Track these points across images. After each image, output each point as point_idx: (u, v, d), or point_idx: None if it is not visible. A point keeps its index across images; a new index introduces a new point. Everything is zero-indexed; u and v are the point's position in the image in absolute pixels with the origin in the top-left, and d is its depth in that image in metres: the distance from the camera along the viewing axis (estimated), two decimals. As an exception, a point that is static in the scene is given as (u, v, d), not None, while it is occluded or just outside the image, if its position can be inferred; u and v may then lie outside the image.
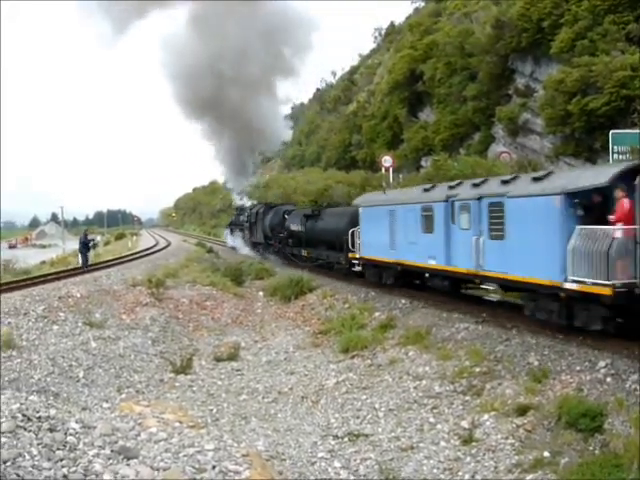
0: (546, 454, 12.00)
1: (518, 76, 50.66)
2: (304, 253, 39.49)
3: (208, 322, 27.37)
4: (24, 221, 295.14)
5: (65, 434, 7.90)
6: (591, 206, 15.91)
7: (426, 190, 24.53)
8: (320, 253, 36.73)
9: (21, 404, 8.38)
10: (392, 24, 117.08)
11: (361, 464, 13.20)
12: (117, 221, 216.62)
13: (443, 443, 13.65)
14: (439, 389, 16.37)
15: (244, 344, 24.43)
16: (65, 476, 6.83)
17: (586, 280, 15.07)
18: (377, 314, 24.39)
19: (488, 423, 13.81)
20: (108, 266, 39.61)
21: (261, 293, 34.03)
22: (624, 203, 14.84)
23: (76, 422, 8.46)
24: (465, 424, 14.05)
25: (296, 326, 27.08)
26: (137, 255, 52.23)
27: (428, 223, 22.99)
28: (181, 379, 19.84)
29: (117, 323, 24.24)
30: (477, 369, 16.56)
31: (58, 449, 7.44)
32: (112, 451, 7.84)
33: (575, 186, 15.92)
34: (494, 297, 22.31)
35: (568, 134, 40.10)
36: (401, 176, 54.10)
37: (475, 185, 20.92)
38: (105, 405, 16.03)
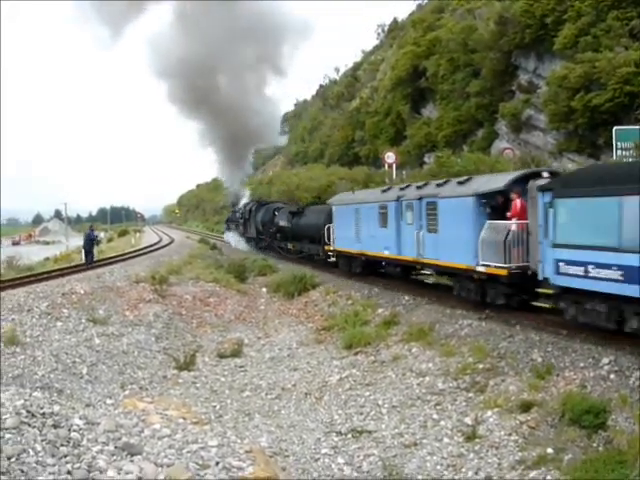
0: (550, 451, 11.99)
1: (521, 72, 50.58)
2: (290, 246, 43.74)
3: (211, 318, 27.40)
4: (27, 218, 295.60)
5: (69, 430, 7.91)
6: (496, 205, 19.75)
7: (383, 191, 28.53)
8: (303, 246, 40.81)
9: (25, 400, 8.39)
10: (395, 20, 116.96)
11: (364, 460, 13.22)
12: (120, 218, 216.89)
13: (446, 439, 13.66)
14: (442, 386, 16.38)
15: (247, 340, 24.46)
16: (69, 472, 6.84)
17: (490, 264, 18.98)
18: (380, 310, 24.40)
19: (491, 420, 13.80)
20: (111, 263, 39.60)
21: (264, 289, 34.04)
22: (517, 203, 18.83)
23: (80, 418, 8.47)
24: (468, 421, 14.05)
25: (299, 322, 27.09)
26: (140, 252, 52.21)
27: (384, 219, 26.86)
28: (184, 375, 19.87)
29: (121, 320, 24.26)
30: (480, 365, 16.56)
31: (62, 445, 7.45)
32: (116, 447, 7.85)
33: (483, 189, 20.02)
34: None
35: (571, 130, 40.04)
36: (404, 172, 54.02)
37: (418, 187, 24.71)
38: (109, 401, 16.05)
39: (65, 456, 7.21)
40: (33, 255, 58.75)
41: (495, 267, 18.78)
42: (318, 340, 23.74)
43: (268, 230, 48.41)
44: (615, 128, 28.71)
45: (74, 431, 7.94)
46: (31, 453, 7.02)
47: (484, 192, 20.01)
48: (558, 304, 16.98)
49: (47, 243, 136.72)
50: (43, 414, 8.08)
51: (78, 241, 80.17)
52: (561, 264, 16.08)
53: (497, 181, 20.31)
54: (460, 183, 21.80)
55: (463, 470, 12.29)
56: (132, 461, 7.57)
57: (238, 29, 66.95)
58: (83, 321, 22.67)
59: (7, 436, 7.19)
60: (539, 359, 15.72)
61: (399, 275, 27.67)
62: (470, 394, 15.56)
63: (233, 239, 61.18)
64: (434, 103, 64.03)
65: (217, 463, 8.15)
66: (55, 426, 7.87)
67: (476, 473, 12.08)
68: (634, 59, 34.08)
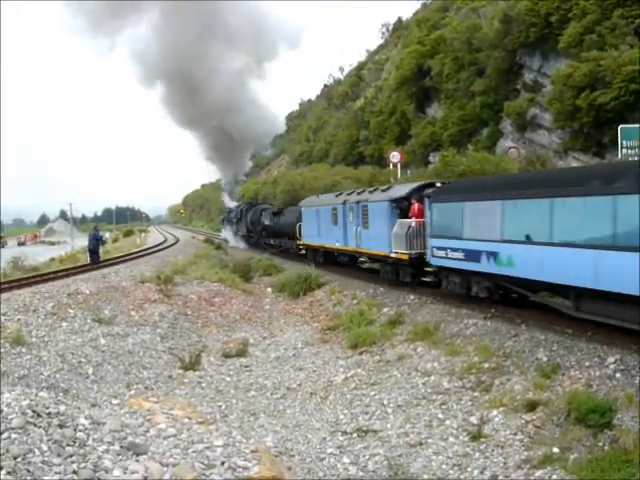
0: (555, 450, 11.97)
1: (526, 71, 50.53)
2: (272, 242, 51.01)
3: (217, 318, 27.42)
4: (33, 218, 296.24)
5: (75, 430, 7.92)
6: (403, 208, 26.02)
7: (336, 196, 35.35)
8: (282, 241, 47.91)
9: (31, 400, 8.41)
10: (399, 20, 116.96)
11: (370, 460, 13.22)
12: (126, 218, 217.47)
13: (452, 439, 13.64)
14: (448, 385, 16.36)
15: (252, 340, 24.47)
16: (75, 472, 6.85)
17: (399, 251, 25.39)
18: (385, 310, 24.40)
19: (497, 419, 13.78)
20: (117, 263, 39.68)
21: (269, 289, 34.07)
22: (415, 206, 24.89)
23: (85, 418, 8.48)
24: (474, 420, 14.03)
25: (304, 322, 27.11)
26: (145, 252, 52.30)
27: (335, 219, 33.58)
28: (190, 375, 19.88)
29: (126, 320, 24.30)
30: (486, 365, 16.54)
31: (68, 445, 7.46)
32: (121, 447, 7.86)
33: (393, 196, 26.69)
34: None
35: (577, 129, 39.99)
36: (409, 172, 54.07)
37: (358, 193, 31.80)
38: (114, 401, 16.04)
39: (71, 456, 7.22)
40: (38, 255, 58.86)
41: (401, 253, 25.27)
42: (323, 340, 23.74)
43: (255, 228, 55.31)
44: (620, 126, 28.69)
45: (80, 431, 7.95)
46: (37, 453, 7.03)
47: (394, 198, 26.55)
48: (437, 279, 24.43)
49: (52, 243, 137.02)
50: (49, 414, 8.10)
51: (83, 241, 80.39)
52: (434, 250, 22.86)
53: (403, 190, 26.90)
54: (383, 191, 28.72)
55: (469, 469, 12.28)
56: (138, 461, 7.58)
57: (222, 32, 69.38)
58: (89, 321, 22.71)
59: (13, 436, 7.21)
60: (544, 358, 15.70)
61: (347, 262, 35.56)
62: (475, 393, 15.54)
63: (228, 236, 67.91)
64: (439, 102, 64.04)
65: (223, 463, 8.15)
66: (61, 426, 7.89)
67: (482, 472, 12.06)
68: (639, 57, 34.01)
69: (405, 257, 25.01)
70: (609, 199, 14.47)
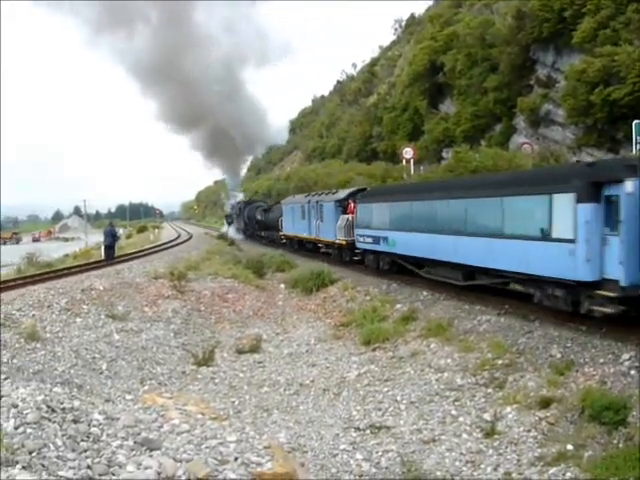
0: (569, 447, 11.93)
1: (539, 66, 50.32)
2: (263, 234, 59.94)
3: (230, 314, 27.45)
4: (47, 214, 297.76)
5: (89, 425, 7.96)
6: (345, 206, 35.03)
7: (305, 196, 44.34)
8: (270, 233, 56.51)
9: (45, 395, 8.45)
10: (412, 16, 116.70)
11: (383, 456, 13.21)
12: (139, 214, 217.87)
13: (465, 436, 13.62)
14: (461, 381, 16.33)
15: (266, 336, 24.49)
16: (89, 467, 6.88)
17: (340, 238, 34.85)
18: (398, 306, 24.36)
19: (510, 416, 13.75)
20: (130, 259, 39.79)
21: (282, 285, 34.07)
22: (351, 205, 33.79)
23: (99, 414, 8.52)
24: (487, 417, 14.00)
25: (317, 318, 27.11)
26: (159, 248, 52.44)
27: (303, 214, 42.87)
28: (203, 371, 19.93)
29: (139, 315, 24.37)
30: (499, 361, 16.50)
31: (82, 440, 7.50)
32: (135, 442, 7.89)
33: (337, 198, 36.23)
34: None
35: (590, 125, 39.80)
36: (422, 168, 54.00)
37: (318, 195, 41.16)
38: (128, 397, 16.10)
39: (85, 451, 7.25)
40: (53, 252, 59.10)
41: (342, 240, 34.83)
42: (336, 336, 23.74)
43: (251, 223, 63.51)
44: (635, 122, 28.49)
45: (94, 426, 7.99)
46: (52, 448, 7.07)
47: (338, 199, 36.13)
48: (363, 259, 33.91)
49: (66, 240, 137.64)
50: (63, 409, 8.14)
51: (97, 238, 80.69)
52: (358, 237, 32.45)
53: (344, 193, 36.49)
54: (332, 194, 38.33)
55: (482, 466, 12.25)
56: (151, 456, 7.60)
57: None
58: (102, 317, 22.79)
59: (28, 431, 7.25)
60: (558, 355, 15.64)
61: (312, 249, 43.70)
62: (489, 390, 15.51)
63: (230, 230, 74.29)
64: (452, 98, 63.90)
65: (236, 459, 8.17)
66: (75, 421, 7.93)
67: (495, 469, 12.04)
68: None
69: (344, 243, 34.77)
70: (439, 202, 24.03)
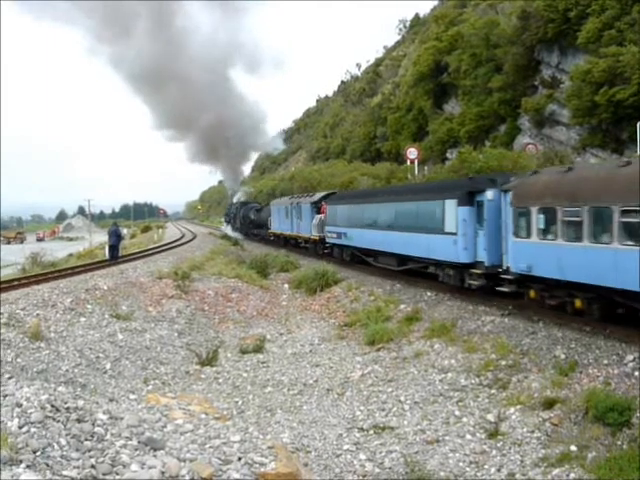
0: (573, 448, 11.92)
1: (544, 67, 50.29)
2: (255, 232, 65.83)
3: (234, 314, 27.46)
4: (51, 214, 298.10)
5: (93, 425, 7.98)
6: (319, 208, 40.85)
7: (289, 199, 51.26)
8: (261, 231, 62.83)
9: (50, 395, 8.47)
10: (417, 16, 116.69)
11: (386, 457, 13.21)
12: (143, 214, 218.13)
13: (469, 436, 13.61)
14: (465, 382, 16.33)
15: (269, 336, 24.50)
16: (93, 466, 6.89)
17: (314, 234, 41.09)
18: (402, 306, 24.36)
19: (514, 416, 13.75)
20: (134, 258, 39.81)
21: (286, 285, 34.10)
22: (324, 207, 39.56)
23: (103, 413, 8.53)
24: (491, 417, 14.00)
25: (321, 318, 27.11)
26: (163, 247, 52.47)
27: (287, 214, 49.19)
28: (207, 371, 19.94)
29: (143, 315, 24.38)
30: (503, 362, 16.50)
31: (86, 440, 7.51)
32: (139, 442, 7.90)
33: (312, 200, 42.53)
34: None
35: (595, 125, 39.78)
36: (426, 168, 53.97)
37: (298, 197, 48.20)
38: (132, 397, 16.13)
39: (89, 450, 7.27)
40: (57, 251, 59.14)
41: (316, 236, 41.27)
42: (340, 336, 23.73)
43: (246, 222, 69.21)
44: (639, 123, 28.47)
45: (98, 426, 8.00)
46: (56, 447, 7.08)
47: (313, 201, 42.71)
48: (331, 251, 39.31)
49: (71, 239, 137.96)
50: (67, 409, 8.15)
51: (101, 237, 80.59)
52: (327, 233, 38.22)
53: (318, 196, 43.01)
54: (310, 196, 45.18)
55: (485, 467, 12.25)
56: (155, 456, 7.62)
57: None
58: (106, 316, 22.80)
59: (32, 430, 7.27)
60: (562, 356, 15.63)
61: (296, 244, 48.71)
62: (493, 391, 15.50)
63: (228, 229, 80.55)
64: (456, 98, 63.89)
65: (239, 458, 8.18)
66: (79, 420, 7.94)
67: (499, 470, 12.04)
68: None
69: (317, 238, 41.45)
70: (378, 205, 31.02)
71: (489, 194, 21.39)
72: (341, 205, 36.95)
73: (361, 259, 34.28)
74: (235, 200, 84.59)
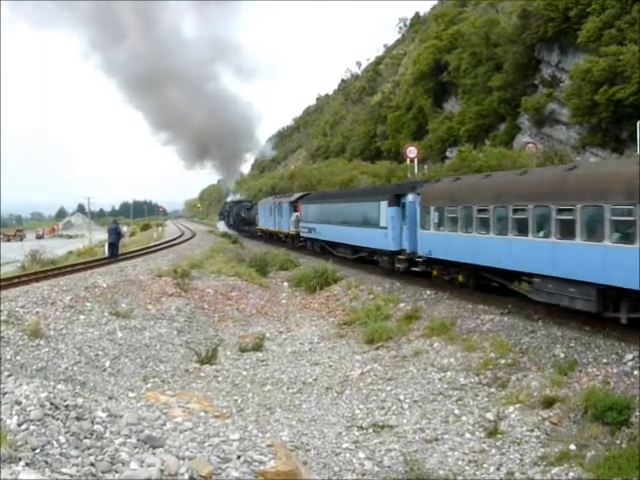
0: (572, 447, 11.93)
1: (544, 66, 50.27)
2: (246, 228, 71.55)
3: (233, 312, 27.47)
4: (51, 212, 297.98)
5: (92, 423, 7.96)
6: (295, 207, 47.45)
7: (273, 198, 58.12)
8: (250, 228, 68.91)
9: (49, 393, 8.45)
10: (417, 14, 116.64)
11: (386, 455, 13.21)
12: (143, 212, 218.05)
13: (468, 435, 13.62)
14: (464, 381, 16.34)
15: (269, 335, 24.51)
16: (92, 464, 6.88)
17: (292, 230, 47.99)
18: (402, 305, 24.38)
19: (513, 415, 13.76)
20: (134, 256, 39.81)
21: (286, 284, 34.11)
22: (299, 206, 46.39)
23: (103, 411, 8.52)
24: (490, 416, 14.01)
25: (321, 317, 27.12)
26: (163, 245, 52.48)
27: (271, 212, 55.81)
28: (206, 369, 19.95)
29: (143, 313, 24.39)
30: (502, 361, 16.51)
31: (85, 437, 7.50)
32: (138, 440, 7.89)
33: (290, 200, 49.66)
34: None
35: (595, 124, 39.75)
36: (426, 167, 53.96)
37: (281, 197, 54.30)
38: (131, 394, 16.11)
39: (88, 448, 7.26)
40: (56, 249, 59.11)
41: (293, 231, 47.30)
42: (339, 334, 23.75)
43: (238, 219, 75.49)
44: (639, 122, 28.45)
45: (97, 423, 7.99)
46: (55, 445, 7.07)
47: (291, 201, 48.79)
48: (305, 244, 45.75)
49: (70, 237, 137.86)
50: (67, 406, 8.14)
51: (101, 235, 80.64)
52: (302, 229, 44.46)
53: (295, 196, 49.48)
54: (288, 197, 51.56)
55: (485, 466, 12.26)
56: (154, 454, 7.61)
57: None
58: (106, 314, 22.80)
59: (32, 428, 7.26)
60: (562, 355, 15.64)
61: (278, 239, 55.30)
62: (492, 389, 15.52)
63: (222, 226, 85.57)
64: (456, 97, 63.87)
65: (239, 457, 8.18)
66: (78, 418, 7.93)
67: (498, 469, 12.04)
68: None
69: (294, 233, 47.99)
70: (337, 204, 38.14)
71: (409, 197, 27.66)
72: (312, 204, 44.04)
73: (327, 250, 40.21)
74: (229, 199, 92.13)
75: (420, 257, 26.02)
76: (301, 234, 45.65)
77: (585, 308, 16.35)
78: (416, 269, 26.87)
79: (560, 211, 17.11)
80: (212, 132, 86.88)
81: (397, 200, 28.38)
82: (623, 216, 14.86)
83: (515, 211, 19.22)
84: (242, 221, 73.12)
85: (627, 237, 14.79)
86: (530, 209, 18.44)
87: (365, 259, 34.35)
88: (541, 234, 18.10)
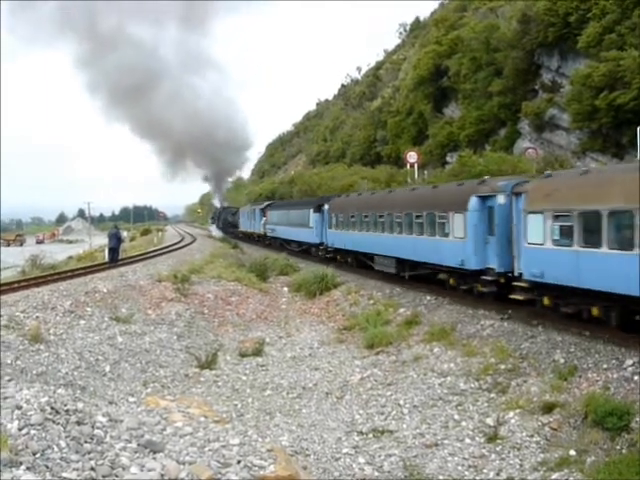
0: (572, 453, 11.93)
1: (544, 71, 50.28)
2: (231, 230, 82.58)
3: (233, 317, 27.48)
4: (51, 217, 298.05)
5: (92, 427, 7.98)
6: (264, 212, 61.05)
7: (251, 205, 73.17)
8: (234, 230, 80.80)
9: (49, 397, 8.47)
10: (417, 19, 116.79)
11: (385, 460, 13.21)
12: (143, 217, 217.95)
13: (468, 440, 13.62)
14: (464, 386, 16.35)
15: (269, 340, 24.51)
16: (93, 468, 6.90)
17: (261, 231, 62.05)
18: (402, 310, 24.39)
19: (513, 421, 13.76)
20: (134, 261, 39.82)
21: (286, 289, 34.13)
22: (267, 212, 60.43)
23: (103, 416, 8.54)
24: (490, 421, 14.01)
25: (321, 322, 27.13)
26: (163, 250, 52.49)
27: (249, 216, 69.86)
28: (206, 374, 19.94)
29: (143, 318, 24.39)
30: (502, 366, 16.51)
31: (86, 442, 7.51)
32: (138, 445, 7.91)
33: (260, 207, 63.96)
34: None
35: (595, 130, 39.74)
36: (426, 172, 53.99)
37: (256, 204, 69.93)
38: (131, 399, 16.14)
39: (89, 452, 7.27)
40: (57, 254, 59.17)
41: (262, 232, 61.18)
42: (339, 340, 23.75)
43: (225, 222, 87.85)
44: (640, 127, 28.46)
45: (97, 428, 8.01)
46: (55, 449, 7.09)
47: (261, 208, 62.73)
48: (270, 242, 59.96)
49: (70, 242, 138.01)
50: (67, 411, 8.16)
51: (101, 240, 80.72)
52: (268, 229, 58.91)
53: (263, 205, 63.58)
54: (259, 204, 66.46)
55: (484, 471, 12.26)
56: (154, 458, 7.62)
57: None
58: (106, 319, 22.79)
59: (32, 432, 7.27)
60: (562, 360, 15.64)
61: (253, 238, 68.09)
62: (492, 395, 15.52)
63: (213, 229, 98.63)
64: (456, 102, 63.90)
65: (238, 462, 8.18)
66: (79, 423, 7.94)
67: (498, 474, 12.04)
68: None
69: (263, 233, 60.41)
70: (286, 211, 53.13)
71: (325, 206, 39.84)
72: (274, 211, 58.22)
73: (283, 246, 52.48)
74: (219, 205, 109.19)
75: (330, 248, 39.48)
76: (267, 234, 59.88)
77: None
78: (327, 255, 40.35)
79: None
80: (201, 147, 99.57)
81: (319, 208, 41.18)
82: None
83: None
84: (229, 224, 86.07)
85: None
86: None
87: (305, 250, 47.29)
88: None
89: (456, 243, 22.55)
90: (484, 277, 21.45)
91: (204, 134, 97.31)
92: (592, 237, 15.87)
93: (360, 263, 34.56)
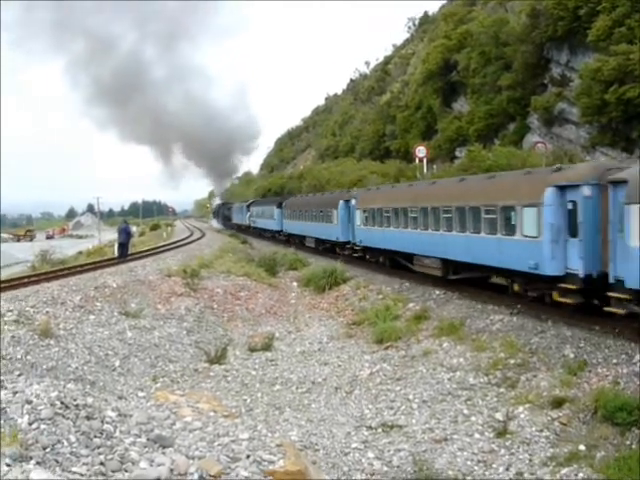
0: (582, 447, 11.90)
1: (554, 65, 49.96)
2: (228, 224, 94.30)
3: (242, 312, 27.51)
4: (61, 212, 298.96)
5: (102, 422, 7.99)
6: (249, 208, 77.65)
7: (241, 202, 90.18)
8: (231, 224, 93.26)
9: (59, 392, 8.49)
10: (426, 14, 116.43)
11: (395, 455, 13.21)
12: (152, 212, 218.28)
13: (477, 435, 13.60)
14: (473, 381, 16.31)
15: (278, 334, 24.53)
16: (102, 463, 6.91)
17: (248, 223, 78.09)
18: (411, 305, 24.35)
19: (523, 415, 13.73)
20: (144, 256, 39.89)
21: (295, 284, 34.14)
22: (251, 207, 77.80)
23: (112, 410, 8.56)
24: (499, 416, 13.99)
25: (330, 317, 27.12)
26: (172, 245, 52.58)
27: (240, 211, 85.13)
28: (215, 369, 19.98)
29: (152, 313, 24.44)
30: (512, 361, 16.47)
31: (95, 437, 7.52)
32: (148, 439, 7.92)
33: (247, 204, 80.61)
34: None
35: (605, 124, 39.45)
36: (435, 167, 53.84)
37: (244, 202, 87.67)
38: (141, 394, 16.16)
39: (98, 447, 7.28)
40: (66, 249, 59.34)
41: (248, 223, 77.81)
42: (349, 334, 23.74)
43: (223, 216, 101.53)
44: (650, 121, 28.27)
45: (107, 423, 8.02)
46: (65, 444, 7.10)
47: (247, 204, 79.78)
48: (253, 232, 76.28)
49: (80, 237, 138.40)
50: (77, 406, 8.17)
51: (110, 235, 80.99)
52: (251, 222, 75.20)
53: (250, 201, 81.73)
54: (246, 201, 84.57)
55: (494, 466, 12.24)
56: (164, 453, 7.63)
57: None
58: (115, 314, 22.86)
59: (42, 427, 7.29)
60: (571, 355, 15.60)
61: (242, 229, 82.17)
62: (501, 389, 15.49)
63: (214, 222, 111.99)
64: (465, 97, 63.56)
65: (248, 456, 8.19)
66: (88, 418, 7.96)
67: (507, 469, 12.02)
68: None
69: (248, 225, 75.93)
70: (266, 206, 67.47)
71: (283, 204, 54.40)
72: (256, 206, 72.24)
73: (262, 235, 67.77)
74: (219, 201, 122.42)
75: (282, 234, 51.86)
76: (251, 225, 74.35)
77: None
78: (281, 238, 54.97)
79: None
80: (201, 147, 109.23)
81: (280, 205, 56.16)
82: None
83: None
84: (226, 218, 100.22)
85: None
86: None
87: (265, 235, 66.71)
88: None
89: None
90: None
91: (204, 133, 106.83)
92: None
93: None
